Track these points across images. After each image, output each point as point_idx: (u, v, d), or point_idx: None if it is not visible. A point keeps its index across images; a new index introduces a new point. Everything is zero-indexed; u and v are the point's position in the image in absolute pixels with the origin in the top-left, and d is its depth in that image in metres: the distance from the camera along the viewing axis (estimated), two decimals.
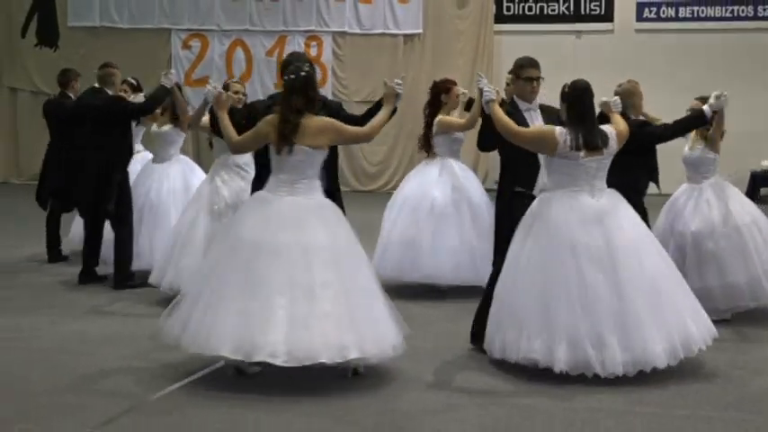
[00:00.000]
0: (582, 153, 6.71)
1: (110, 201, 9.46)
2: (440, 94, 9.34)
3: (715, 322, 7.27)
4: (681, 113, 8.42)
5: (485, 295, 7.24)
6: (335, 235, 6.64)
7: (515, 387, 6.48)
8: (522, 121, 7.10)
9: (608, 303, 6.50)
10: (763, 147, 16.71)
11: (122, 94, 10.12)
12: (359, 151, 18.37)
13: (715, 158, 8.41)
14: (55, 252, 10.85)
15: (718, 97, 7.81)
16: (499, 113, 6.84)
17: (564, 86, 6.91)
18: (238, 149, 7.13)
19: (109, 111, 9.50)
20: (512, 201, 7.14)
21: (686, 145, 8.50)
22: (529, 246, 6.73)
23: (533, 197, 7.10)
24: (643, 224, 7.04)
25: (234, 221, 6.74)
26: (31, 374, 6.80)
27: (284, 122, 6.51)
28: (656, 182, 8.26)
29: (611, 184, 7.00)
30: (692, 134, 8.43)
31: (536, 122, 7.31)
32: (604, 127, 6.92)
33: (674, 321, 6.66)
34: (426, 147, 9.48)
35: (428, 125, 9.39)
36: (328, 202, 6.76)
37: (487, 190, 9.52)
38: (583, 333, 6.43)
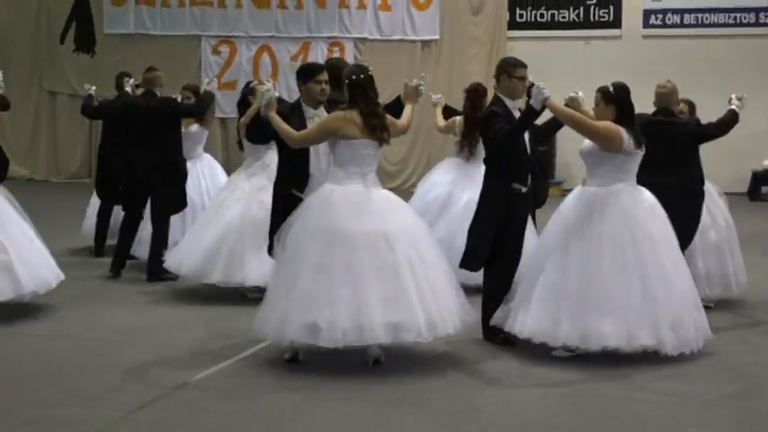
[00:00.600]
0: (639, 149, 6.83)
1: (165, 198, 9.61)
2: (484, 97, 9.16)
3: (711, 310, 7.51)
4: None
5: (487, 292, 7.26)
6: (419, 220, 6.93)
7: (531, 373, 6.53)
8: (512, 119, 7.07)
9: (678, 287, 6.71)
10: (764, 147, 16.64)
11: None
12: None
13: None
14: (102, 247, 10.90)
15: (740, 99, 8.17)
16: (562, 107, 6.90)
17: (605, 88, 6.92)
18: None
19: (162, 111, 9.58)
20: (511, 199, 7.12)
21: None
22: (595, 236, 6.73)
23: (525, 194, 7.16)
24: None
25: (320, 215, 6.56)
26: (68, 362, 6.86)
27: (376, 116, 6.68)
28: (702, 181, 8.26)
29: (671, 183, 7.41)
30: None
31: None
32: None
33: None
34: (470, 149, 9.34)
35: (473, 128, 9.02)
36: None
37: None
38: (670, 315, 6.60)
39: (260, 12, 18.96)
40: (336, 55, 18.39)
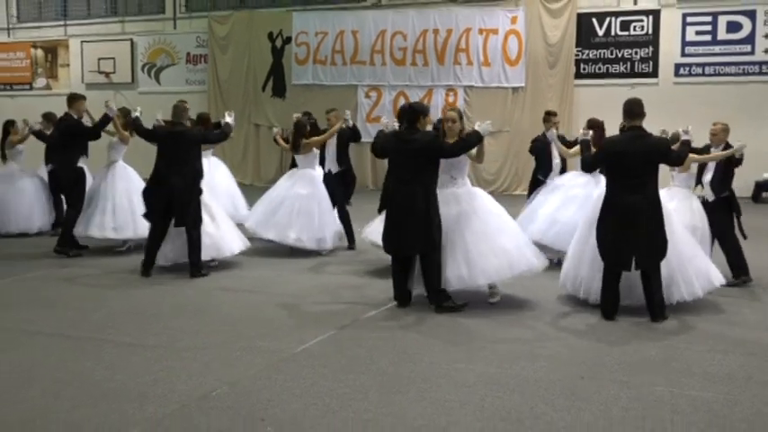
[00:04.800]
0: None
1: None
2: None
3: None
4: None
5: None
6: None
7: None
8: None
9: None
10: (763, 163, 15.94)
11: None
12: (479, 165, 18.21)
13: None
14: None
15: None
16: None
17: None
18: None
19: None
20: None
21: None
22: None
23: None
24: None
25: None
26: (265, 309, 7.06)
27: None
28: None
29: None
30: None
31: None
32: None
33: None
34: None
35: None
36: None
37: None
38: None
39: (398, 68, 19.09)
40: (451, 98, 18.39)
